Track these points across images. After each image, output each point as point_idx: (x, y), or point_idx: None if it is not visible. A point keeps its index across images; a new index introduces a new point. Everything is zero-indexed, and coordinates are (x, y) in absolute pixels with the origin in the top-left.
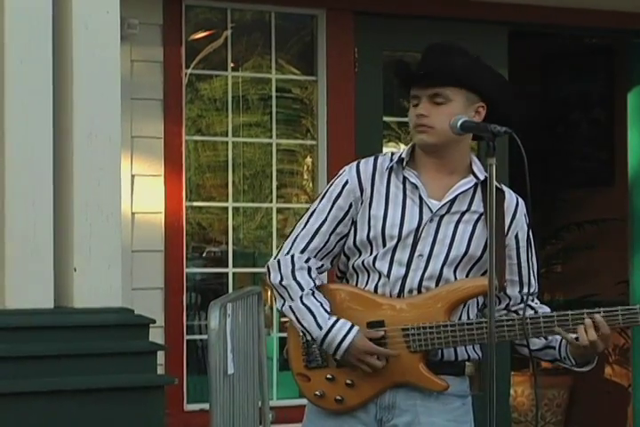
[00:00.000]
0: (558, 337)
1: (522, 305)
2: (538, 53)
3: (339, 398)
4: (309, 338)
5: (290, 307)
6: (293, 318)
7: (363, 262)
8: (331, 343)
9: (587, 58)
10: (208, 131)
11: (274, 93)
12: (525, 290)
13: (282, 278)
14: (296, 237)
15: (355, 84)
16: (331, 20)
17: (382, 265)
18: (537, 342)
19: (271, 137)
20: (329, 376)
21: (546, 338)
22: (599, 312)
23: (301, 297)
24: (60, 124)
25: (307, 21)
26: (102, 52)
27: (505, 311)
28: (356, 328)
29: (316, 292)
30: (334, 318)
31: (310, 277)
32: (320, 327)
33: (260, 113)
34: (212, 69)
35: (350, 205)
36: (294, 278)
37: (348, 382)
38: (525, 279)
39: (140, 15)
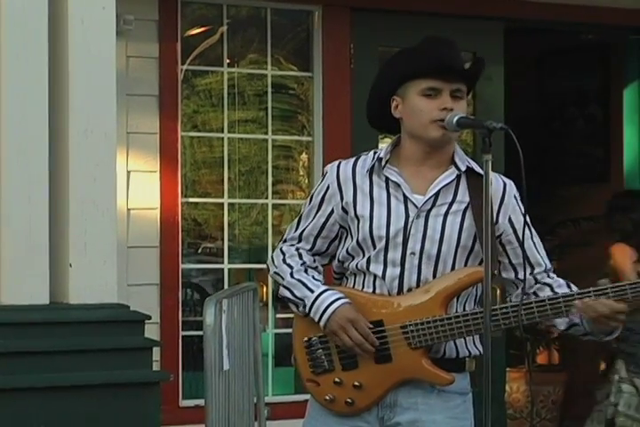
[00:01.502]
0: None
1: (538, 285)
2: (534, 50)
3: (349, 400)
4: (302, 308)
5: (283, 285)
6: (288, 295)
7: (357, 266)
8: (320, 305)
9: (583, 54)
10: (204, 127)
11: (269, 89)
12: (538, 269)
13: (276, 267)
14: (286, 240)
15: (351, 81)
16: (327, 16)
17: (376, 267)
18: (562, 322)
19: (267, 133)
20: (337, 380)
21: (567, 317)
22: (589, 292)
23: (291, 273)
24: (56, 120)
25: (303, 17)
26: (98, 47)
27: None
28: (348, 299)
29: (309, 270)
30: (328, 287)
31: (301, 259)
32: (312, 291)
33: (256, 109)
34: (208, 65)
35: (332, 211)
36: (284, 262)
37: (356, 384)
38: (534, 259)
39: (136, 11)
